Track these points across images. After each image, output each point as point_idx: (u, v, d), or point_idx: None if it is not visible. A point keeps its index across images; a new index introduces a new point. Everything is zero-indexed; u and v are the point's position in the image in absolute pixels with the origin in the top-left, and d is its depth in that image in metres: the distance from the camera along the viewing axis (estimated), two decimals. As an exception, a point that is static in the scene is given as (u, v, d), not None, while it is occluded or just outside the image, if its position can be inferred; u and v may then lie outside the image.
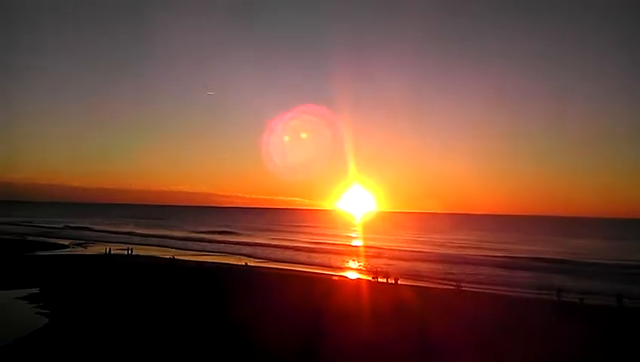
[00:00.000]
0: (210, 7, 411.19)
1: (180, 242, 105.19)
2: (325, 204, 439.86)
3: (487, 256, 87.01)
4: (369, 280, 53.87)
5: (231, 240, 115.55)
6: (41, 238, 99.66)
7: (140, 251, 76.30)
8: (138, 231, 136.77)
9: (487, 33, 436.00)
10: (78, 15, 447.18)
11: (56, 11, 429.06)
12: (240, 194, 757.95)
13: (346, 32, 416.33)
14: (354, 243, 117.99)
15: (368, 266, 70.76)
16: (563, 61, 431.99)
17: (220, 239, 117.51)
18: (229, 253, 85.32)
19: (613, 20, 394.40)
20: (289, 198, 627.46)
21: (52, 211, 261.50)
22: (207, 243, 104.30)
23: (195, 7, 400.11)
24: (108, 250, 70.65)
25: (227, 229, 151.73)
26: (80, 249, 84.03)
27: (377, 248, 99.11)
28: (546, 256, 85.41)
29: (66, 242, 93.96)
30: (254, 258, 77.98)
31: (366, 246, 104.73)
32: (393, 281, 50.14)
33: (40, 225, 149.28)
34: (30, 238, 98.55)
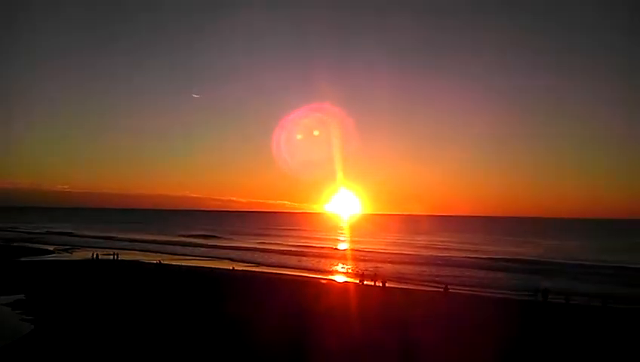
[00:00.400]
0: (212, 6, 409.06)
1: (168, 247, 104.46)
2: (314, 207, 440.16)
3: (471, 257, 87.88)
4: (356, 283, 54.00)
5: (218, 244, 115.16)
6: (26, 244, 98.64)
7: (125, 256, 75.75)
8: (124, 236, 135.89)
9: (472, 39, 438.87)
10: (77, 19, 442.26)
11: (55, 15, 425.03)
12: (233, 198, 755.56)
13: (328, 30, 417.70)
14: (341, 246, 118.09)
15: (355, 269, 70.92)
16: (546, 65, 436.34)
17: (207, 243, 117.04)
18: (216, 258, 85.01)
19: (605, 21, 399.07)
20: (278, 202, 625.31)
21: (40, 216, 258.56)
22: (194, 248, 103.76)
23: (195, 7, 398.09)
24: (95, 255, 70.05)
25: (215, 233, 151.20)
26: (65, 254, 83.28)
27: (363, 251, 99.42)
28: (527, 258, 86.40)
29: (51, 248, 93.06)
30: (241, 262, 77.70)
31: (352, 249, 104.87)
32: (380, 284, 50.24)
33: (24, 230, 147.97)
34: (14, 244, 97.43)
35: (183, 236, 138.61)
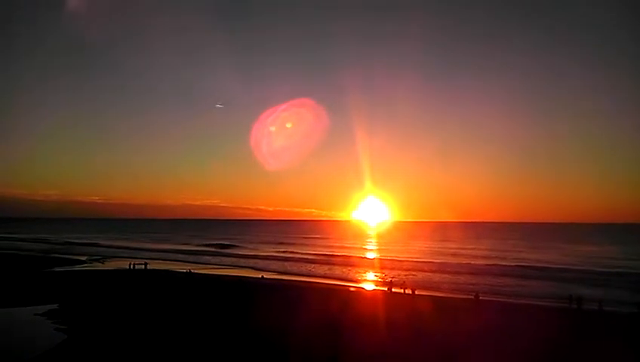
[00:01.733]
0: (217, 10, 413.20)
1: (197, 256, 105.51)
2: (341, 215, 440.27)
3: (501, 265, 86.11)
4: (384, 291, 53.66)
5: (245, 253, 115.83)
6: (59, 254, 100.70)
7: (155, 266, 76.74)
8: (154, 246, 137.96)
9: (501, 42, 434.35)
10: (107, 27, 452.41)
11: (64, 26, 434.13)
12: (261, 207, 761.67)
13: (353, 39, 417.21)
14: (368, 254, 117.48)
15: (384, 277, 70.42)
16: (575, 70, 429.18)
17: (234, 252, 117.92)
18: (245, 267, 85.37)
19: (621, 26, 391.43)
20: (305, 210, 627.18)
21: (71, 227, 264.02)
22: (223, 257, 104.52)
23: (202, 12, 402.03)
24: (132, 265, 70.85)
25: (242, 242, 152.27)
26: (97, 264, 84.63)
27: (391, 259, 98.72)
28: (558, 265, 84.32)
29: (83, 258, 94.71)
30: (269, 271, 77.79)
31: (380, 257, 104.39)
32: (410, 292, 49.80)
33: (56, 241, 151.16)
34: (52, 255, 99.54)
35: (211, 245, 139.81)
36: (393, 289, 52.52)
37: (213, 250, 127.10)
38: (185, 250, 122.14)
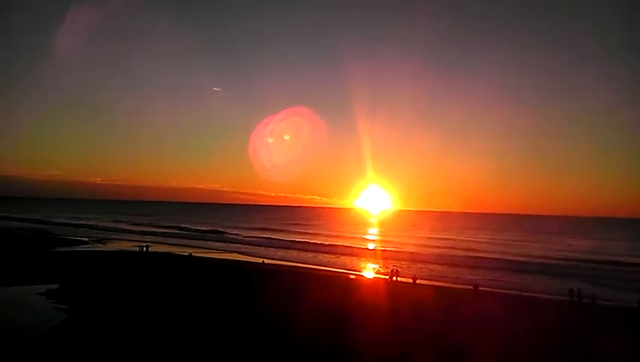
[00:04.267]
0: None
1: (198, 241, 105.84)
2: (343, 203, 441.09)
3: (501, 258, 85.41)
4: (385, 280, 53.76)
5: (245, 238, 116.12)
6: (60, 235, 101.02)
7: (155, 248, 76.82)
8: (153, 229, 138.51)
9: (501, 32, 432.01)
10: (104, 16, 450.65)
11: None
12: (262, 192, 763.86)
13: (357, 29, 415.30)
14: (368, 242, 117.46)
15: (384, 266, 70.50)
16: (574, 61, 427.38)
17: (235, 237, 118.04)
18: (245, 252, 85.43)
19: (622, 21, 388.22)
20: (308, 196, 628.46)
21: (71, 207, 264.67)
22: (223, 242, 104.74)
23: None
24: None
25: (240, 228, 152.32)
26: (98, 245, 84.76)
27: (392, 248, 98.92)
28: (560, 259, 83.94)
29: (85, 238, 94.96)
30: (271, 257, 77.83)
31: (382, 246, 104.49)
32: (411, 281, 49.92)
33: (57, 221, 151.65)
34: (46, 235, 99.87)
35: (211, 230, 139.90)
36: (394, 278, 52.58)
37: (213, 234, 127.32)
38: (186, 234, 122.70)
